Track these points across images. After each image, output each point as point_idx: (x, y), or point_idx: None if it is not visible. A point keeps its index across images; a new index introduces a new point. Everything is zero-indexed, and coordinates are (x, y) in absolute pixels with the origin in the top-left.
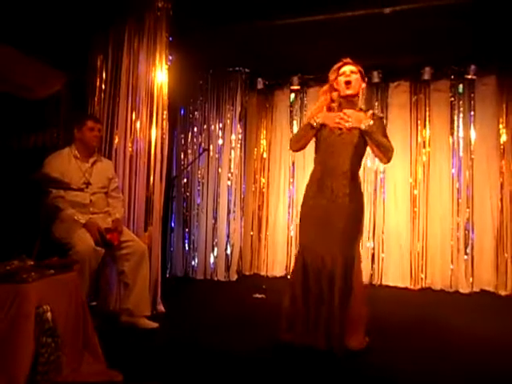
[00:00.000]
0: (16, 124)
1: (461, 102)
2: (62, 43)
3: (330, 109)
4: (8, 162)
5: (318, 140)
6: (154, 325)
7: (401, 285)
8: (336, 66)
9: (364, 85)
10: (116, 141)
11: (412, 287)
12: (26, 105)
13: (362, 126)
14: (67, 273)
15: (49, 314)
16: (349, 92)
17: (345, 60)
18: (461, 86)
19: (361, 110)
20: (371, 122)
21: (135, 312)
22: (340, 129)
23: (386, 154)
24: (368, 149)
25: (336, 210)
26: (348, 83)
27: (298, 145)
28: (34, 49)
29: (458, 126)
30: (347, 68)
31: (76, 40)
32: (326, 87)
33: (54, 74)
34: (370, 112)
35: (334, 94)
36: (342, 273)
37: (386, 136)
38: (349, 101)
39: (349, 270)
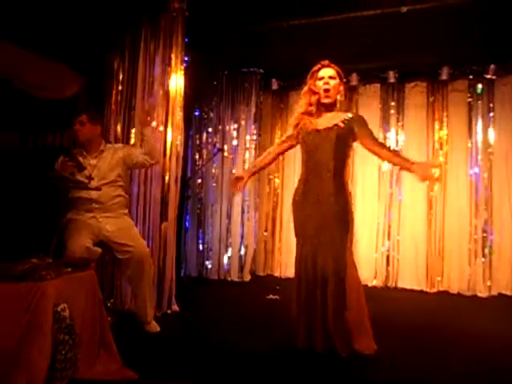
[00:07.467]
0: (36, 124)
1: (479, 103)
2: (80, 46)
3: (308, 113)
4: (27, 160)
5: (300, 143)
6: (156, 329)
7: (416, 287)
8: (313, 69)
9: (342, 87)
10: (132, 141)
11: (428, 290)
12: (46, 105)
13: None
14: (84, 271)
15: (66, 312)
16: (326, 101)
17: (322, 63)
18: (480, 85)
19: (341, 111)
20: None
21: (139, 317)
22: (317, 130)
23: None
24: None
25: (322, 210)
26: (327, 91)
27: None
28: (54, 52)
29: (477, 127)
30: (325, 73)
31: (93, 43)
32: (305, 90)
33: (73, 76)
34: (349, 114)
35: (313, 98)
36: (333, 272)
37: (375, 138)
38: (327, 105)
39: (340, 269)
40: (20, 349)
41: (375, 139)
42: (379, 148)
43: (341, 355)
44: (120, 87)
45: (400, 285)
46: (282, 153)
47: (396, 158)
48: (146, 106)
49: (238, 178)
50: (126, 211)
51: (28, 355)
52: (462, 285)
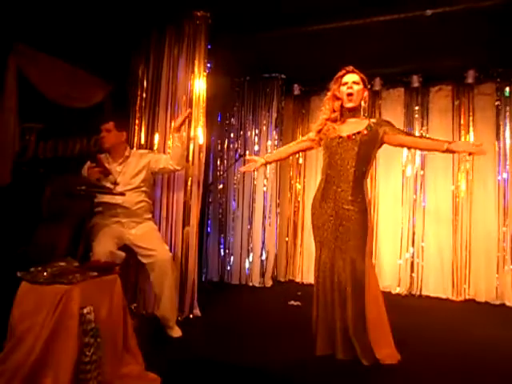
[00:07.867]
0: (63, 131)
1: (507, 107)
2: (105, 54)
3: (332, 119)
4: (55, 167)
5: (323, 149)
6: (178, 334)
7: (442, 295)
8: (338, 75)
9: (366, 93)
10: (155, 147)
11: (454, 298)
12: (71, 112)
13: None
14: (109, 275)
15: (92, 315)
16: (350, 105)
17: (347, 68)
18: (507, 89)
19: (365, 117)
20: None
21: (162, 321)
22: (340, 137)
23: None
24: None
25: (341, 217)
26: (350, 95)
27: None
28: (80, 59)
29: (505, 131)
30: (349, 78)
31: (118, 50)
32: (329, 95)
33: (99, 83)
34: (373, 119)
35: (336, 104)
36: (351, 278)
37: (402, 130)
38: (350, 110)
39: (358, 275)
40: (47, 350)
41: (401, 131)
42: (404, 136)
43: (363, 363)
44: (144, 94)
45: (424, 292)
46: (300, 151)
47: (426, 140)
48: (186, 115)
49: (252, 160)
50: (150, 216)
51: (54, 356)
52: (490, 293)
